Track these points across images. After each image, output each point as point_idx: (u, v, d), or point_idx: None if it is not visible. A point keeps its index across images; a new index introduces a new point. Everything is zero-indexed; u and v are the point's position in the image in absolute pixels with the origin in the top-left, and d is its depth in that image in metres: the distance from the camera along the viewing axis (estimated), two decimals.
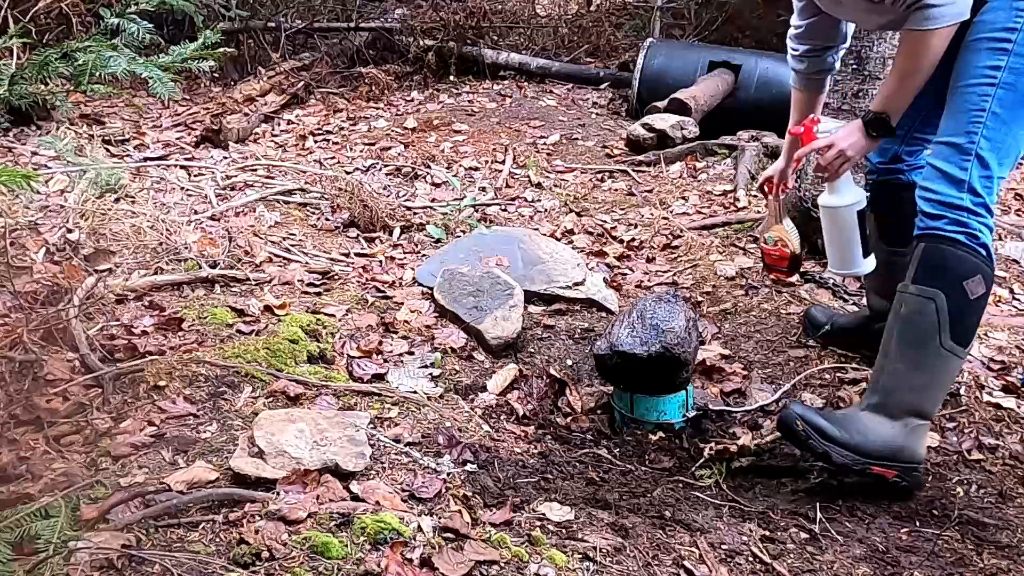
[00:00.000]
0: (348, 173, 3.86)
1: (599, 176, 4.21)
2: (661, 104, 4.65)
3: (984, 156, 1.87)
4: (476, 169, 4.21)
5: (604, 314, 2.71)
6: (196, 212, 3.24)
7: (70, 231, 2.81)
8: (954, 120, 1.92)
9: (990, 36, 1.88)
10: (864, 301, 2.63)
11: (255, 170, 3.94)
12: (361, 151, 4.44)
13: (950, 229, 1.89)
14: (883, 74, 2.95)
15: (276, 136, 4.74)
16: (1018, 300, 2.84)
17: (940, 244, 1.90)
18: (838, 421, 1.94)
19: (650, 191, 3.98)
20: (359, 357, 2.31)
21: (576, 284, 2.79)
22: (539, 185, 4.02)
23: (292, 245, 3.09)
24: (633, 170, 4.23)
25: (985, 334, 2.55)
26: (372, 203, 3.35)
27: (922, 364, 1.92)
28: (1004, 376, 2.34)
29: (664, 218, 3.57)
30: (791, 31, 2.30)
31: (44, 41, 4.06)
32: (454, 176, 4.03)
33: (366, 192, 3.39)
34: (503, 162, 4.28)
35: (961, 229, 1.88)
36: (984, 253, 1.89)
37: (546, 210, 3.72)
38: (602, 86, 5.78)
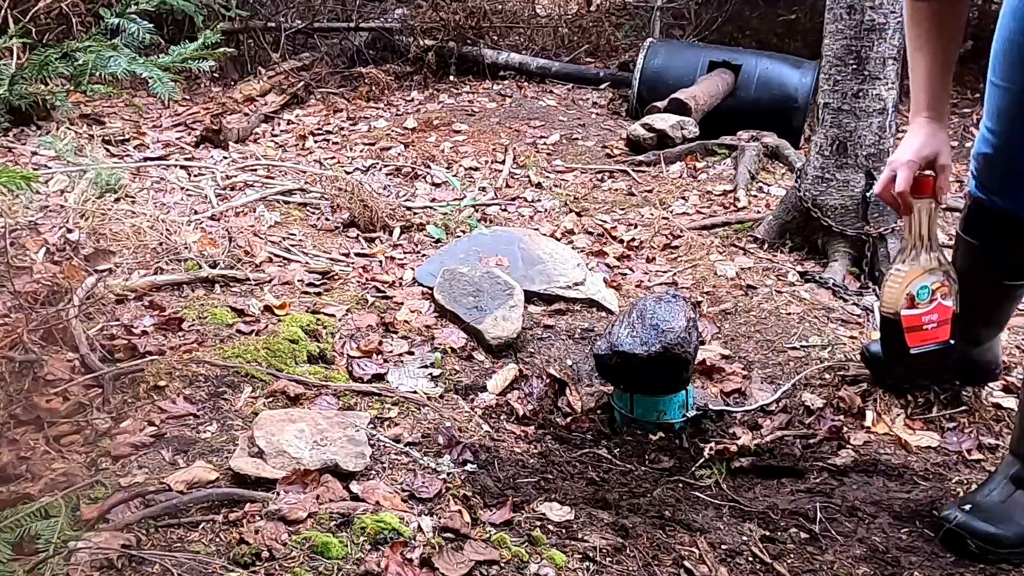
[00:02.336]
0: (348, 173, 3.86)
1: (599, 176, 4.21)
2: (661, 104, 4.65)
3: None
4: (476, 169, 4.21)
5: (604, 314, 2.71)
6: (196, 212, 3.24)
7: (70, 231, 2.81)
8: None
9: None
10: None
11: (255, 170, 3.94)
12: (361, 151, 4.44)
13: None
14: (882, 74, 2.95)
15: (276, 136, 4.74)
16: None
17: None
18: (998, 513, 1.72)
19: (650, 191, 3.98)
20: (359, 357, 2.31)
21: (576, 284, 2.79)
22: (539, 185, 4.02)
23: (292, 245, 3.09)
24: (633, 170, 4.23)
25: None
26: (372, 203, 3.35)
27: None
28: (1004, 376, 2.34)
29: (664, 218, 3.57)
30: None
31: (44, 41, 4.06)
32: (454, 176, 4.03)
33: (366, 192, 3.39)
34: (503, 162, 4.28)
35: None
36: None
37: (546, 210, 3.72)
38: (602, 86, 5.78)
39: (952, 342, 1.69)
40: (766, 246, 3.24)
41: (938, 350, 1.66)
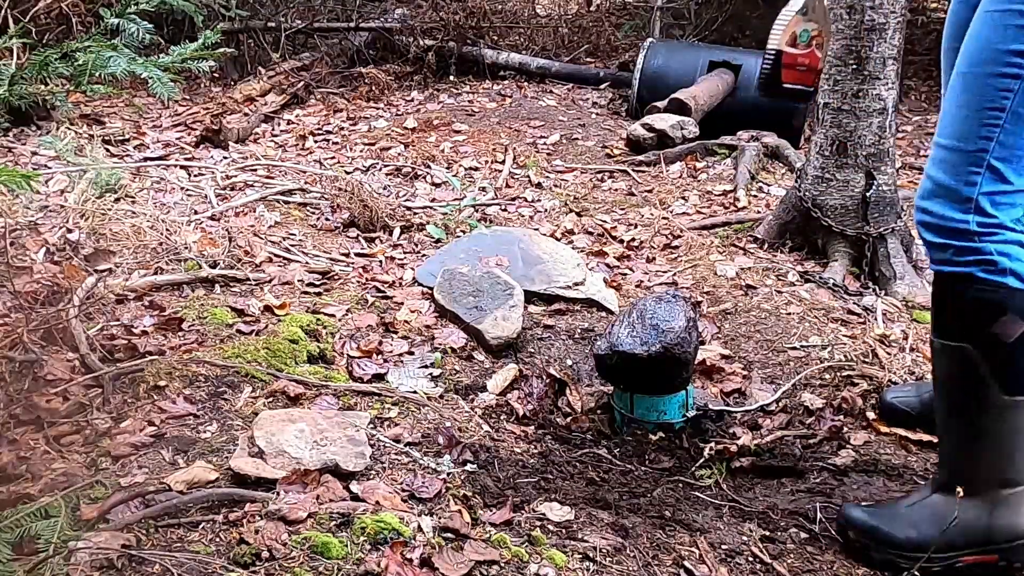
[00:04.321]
0: (348, 173, 3.86)
1: (599, 176, 4.21)
2: (661, 104, 4.65)
3: (998, 167, 1.49)
4: (476, 169, 4.21)
5: (604, 314, 2.71)
6: (196, 212, 3.24)
7: (70, 231, 2.81)
8: (961, 118, 1.52)
9: (1010, 8, 1.45)
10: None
11: (255, 170, 3.94)
12: (361, 151, 4.44)
13: (959, 262, 1.52)
14: (882, 74, 2.95)
15: (276, 136, 4.74)
16: None
17: (952, 283, 1.54)
18: (898, 515, 1.66)
19: (650, 191, 3.98)
20: (359, 357, 2.31)
21: (576, 284, 2.79)
22: (539, 185, 4.02)
23: (292, 245, 3.09)
24: (633, 170, 4.23)
25: None
26: (372, 203, 3.35)
27: (982, 430, 1.56)
28: None
29: (664, 218, 3.57)
30: None
31: (44, 41, 4.07)
32: (454, 176, 4.03)
33: (366, 192, 3.39)
34: (503, 162, 4.28)
35: (972, 259, 1.51)
36: (1011, 283, 1.50)
37: (546, 210, 3.72)
38: (602, 86, 5.78)
39: (812, 89, 1.92)
40: (766, 246, 3.24)
41: (800, 91, 1.92)
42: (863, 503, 1.89)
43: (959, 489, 1.57)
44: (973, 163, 1.50)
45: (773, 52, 1.88)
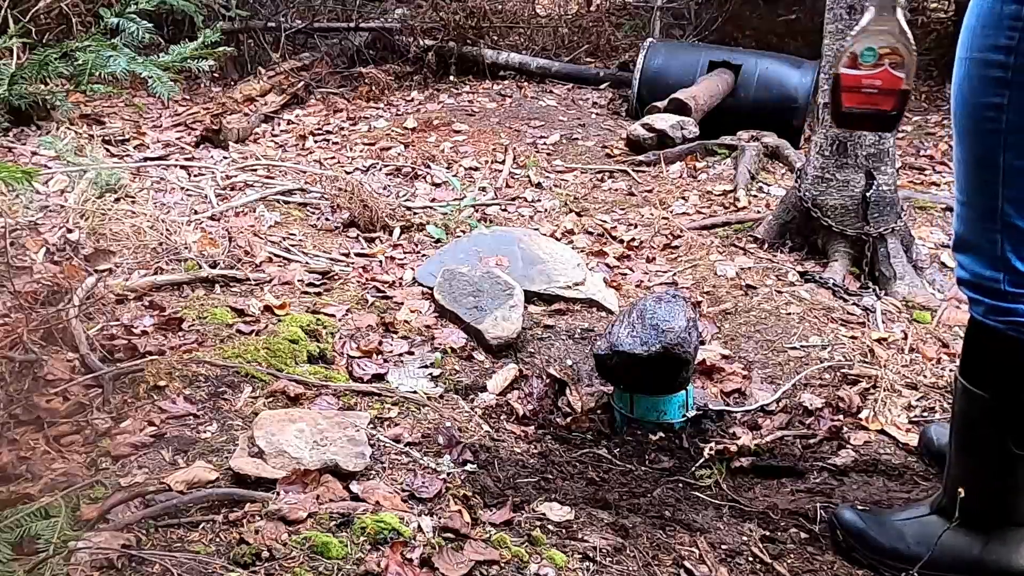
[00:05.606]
0: (348, 173, 3.86)
1: (599, 176, 4.21)
2: (661, 104, 4.65)
3: (1017, 224, 1.43)
4: (476, 169, 4.21)
5: (604, 314, 2.71)
6: (196, 212, 3.24)
7: (70, 231, 2.81)
8: (963, 173, 1.49)
9: (982, 59, 1.40)
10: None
11: (255, 170, 3.94)
12: (361, 151, 4.44)
13: (991, 319, 1.48)
14: None
15: (276, 136, 4.74)
16: None
17: (983, 334, 1.51)
18: (889, 526, 1.68)
19: (650, 191, 3.98)
20: (359, 357, 2.31)
21: (576, 284, 2.79)
22: (539, 185, 4.02)
23: (292, 245, 3.09)
24: (633, 170, 4.23)
25: None
26: (372, 203, 3.35)
27: (989, 473, 1.57)
28: None
29: (664, 218, 3.57)
30: None
31: (44, 41, 4.06)
32: (454, 176, 4.03)
33: (366, 192, 3.39)
34: (503, 162, 4.28)
35: (1004, 319, 1.47)
36: None
37: (546, 210, 3.72)
38: (602, 86, 5.78)
39: (894, 113, 1.60)
40: (766, 246, 3.24)
41: (873, 115, 1.62)
42: (861, 504, 1.89)
43: (956, 516, 1.59)
44: (987, 219, 1.45)
45: (834, 75, 1.65)
